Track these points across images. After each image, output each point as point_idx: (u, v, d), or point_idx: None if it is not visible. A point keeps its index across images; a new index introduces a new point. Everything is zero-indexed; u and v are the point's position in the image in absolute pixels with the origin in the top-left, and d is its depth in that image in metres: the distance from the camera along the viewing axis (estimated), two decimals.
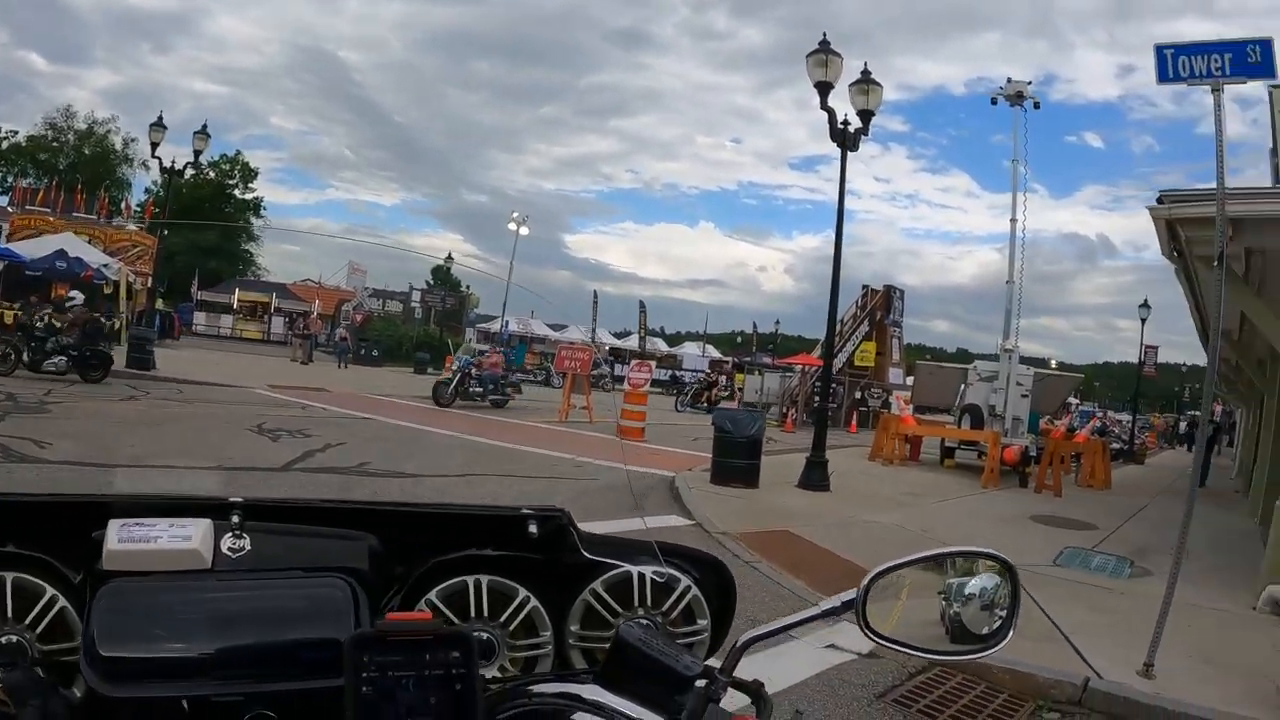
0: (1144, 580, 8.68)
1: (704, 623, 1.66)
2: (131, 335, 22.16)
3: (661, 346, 66.51)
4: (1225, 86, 5.96)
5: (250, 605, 1.27)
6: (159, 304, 31.08)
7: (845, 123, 13.47)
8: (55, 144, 58.70)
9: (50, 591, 1.33)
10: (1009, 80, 25.22)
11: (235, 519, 1.41)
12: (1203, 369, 9.52)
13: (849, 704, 5.01)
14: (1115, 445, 27.61)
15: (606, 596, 1.62)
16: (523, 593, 1.59)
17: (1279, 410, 12.20)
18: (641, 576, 1.62)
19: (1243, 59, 5.91)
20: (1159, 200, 8.70)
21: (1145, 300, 34.36)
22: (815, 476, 13.08)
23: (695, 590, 1.65)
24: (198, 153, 26.01)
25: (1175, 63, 6.10)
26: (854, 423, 31.11)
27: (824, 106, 13.25)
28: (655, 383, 32.18)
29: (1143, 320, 34.51)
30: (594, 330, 55.21)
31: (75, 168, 56.01)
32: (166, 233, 30.34)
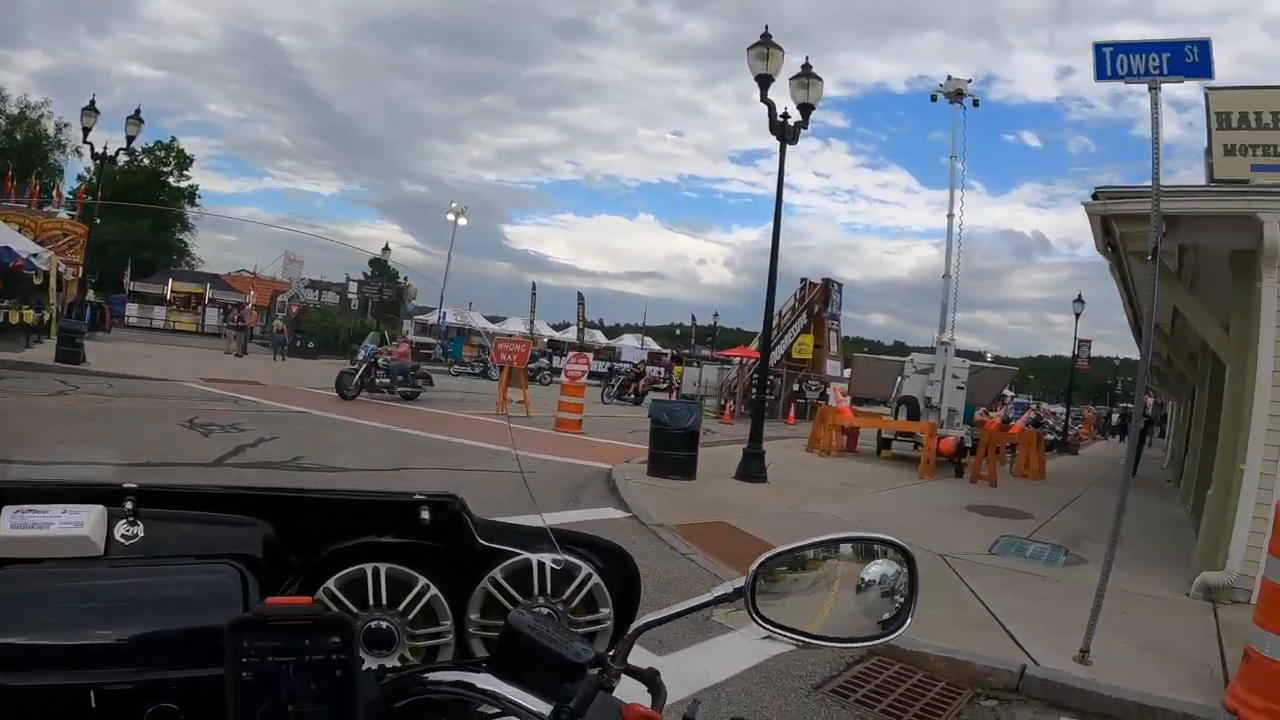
0: (1079, 568, 8.79)
1: (606, 611, 1.63)
2: (61, 328, 21.50)
3: (600, 339, 66.51)
4: (1162, 86, 6.02)
5: (140, 593, 1.24)
6: (90, 295, 30.21)
7: (785, 116, 13.45)
8: None
9: None
10: (949, 78, 25.54)
11: (129, 505, 1.39)
12: (1135, 362, 9.69)
13: (786, 696, 4.96)
14: (1049, 436, 28.15)
15: (506, 585, 1.59)
16: (422, 581, 1.55)
17: (1210, 403, 12.46)
18: (541, 564, 1.60)
19: (1180, 59, 5.97)
20: (1094, 196, 8.82)
21: (1079, 295, 35.23)
22: (752, 468, 13.07)
23: (596, 578, 1.62)
24: (130, 138, 25.20)
25: (1114, 61, 6.15)
26: (792, 414, 31.26)
27: (764, 99, 13.23)
28: (593, 375, 32.10)
29: (1077, 315, 35.36)
30: (532, 322, 55.09)
31: (6, 154, 54.09)
32: (99, 221, 29.48)
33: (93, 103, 23.78)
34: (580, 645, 1.18)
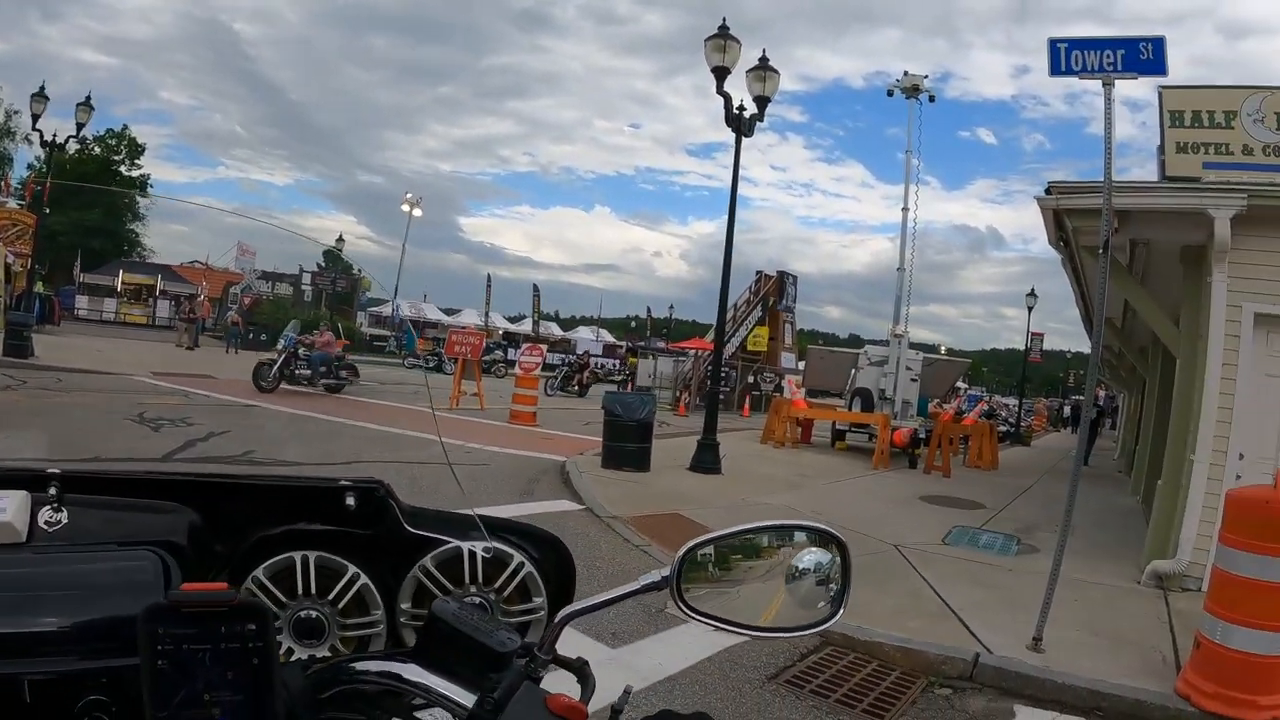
0: (1031, 557, 8.89)
1: (540, 600, 1.60)
2: (8, 321, 20.98)
3: (555, 331, 66.34)
4: (1116, 82, 6.06)
5: (62, 580, 1.21)
6: (39, 287, 29.56)
7: (741, 108, 13.46)
8: None
9: None
10: (905, 73, 25.77)
11: (53, 491, 1.36)
12: (1087, 355, 9.80)
13: (740, 687, 4.93)
14: (1002, 428, 28.48)
15: (437, 574, 1.57)
16: (352, 569, 1.54)
17: (1160, 395, 12.65)
18: (472, 553, 1.57)
19: (1135, 55, 6.02)
20: (1047, 191, 8.89)
21: (1032, 290, 35.67)
22: (707, 459, 13.06)
23: (529, 567, 1.60)
24: (80, 125, 24.62)
25: (1068, 56, 6.18)
26: (746, 406, 31.33)
27: (720, 91, 13.19)
28: (549, 367, 31.95)
29: (1029, 308, 35.82)
30: (487, 314, 54.80)
31: None
32: (49, 211, 28.86)
33: (42, 89, 23.22)
34: (506, 634, 1.16)
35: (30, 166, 51.48)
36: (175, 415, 12.82)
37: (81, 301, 44.73)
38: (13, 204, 31.93)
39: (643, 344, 51.97)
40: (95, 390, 15.52)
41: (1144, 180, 9.50)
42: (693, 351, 36.74)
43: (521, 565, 1.59)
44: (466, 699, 1.07)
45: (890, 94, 25.87)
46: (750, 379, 34.60)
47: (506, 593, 1.59)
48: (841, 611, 1.25)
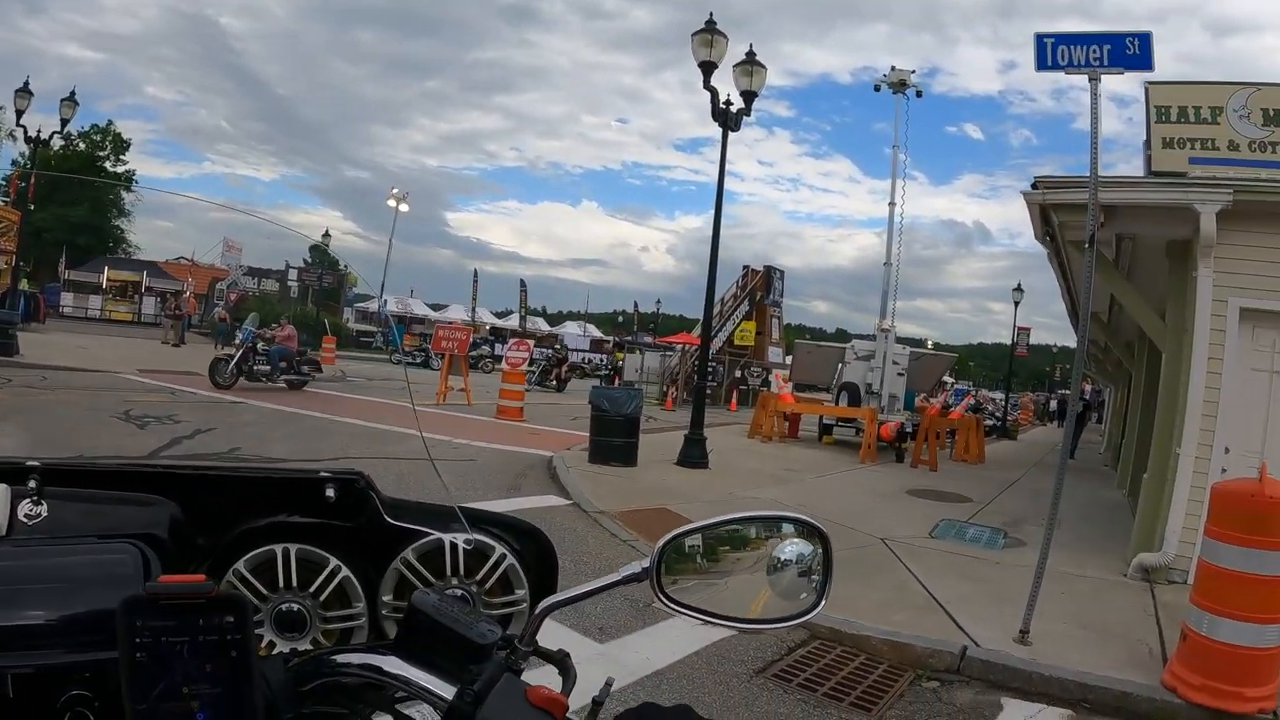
0: (1018, 550, 8.91)
1: (522, 593, 1.60)
2: None
3: (543, 326, 66.22)
4: (1103, 77, 6.07)
5: (42, 574, 1.20)
6: (24, 284, 29.37)
7: (728, 103, 13.45)
8: None
9: None
10: (893, 68, 25.89)
11: (33, 484, 1.36)
12: (1073, 349, 9.83)
13: (728, 681, 4.93)
14: (989, 422, 28.57)
15: (418, 565, 1.56)
16: (333, 562, 1.53)
17: (1146, 389, 12.71)
18: (453, 545, 1.56)
19: (1121, 50, 6.03)
20: (1034, 186, 8.91)
21: (1019, 284, 35.69)
22: (694, 454, 13.07)
23: (511, 559, 1.59)
24: (65, 121, 24.49)
25: (1055, 52, 6.18)
26: (734, 401, 31.38)
27: (707, 86, 13.17)
28: (535, 362, 31.90)
29: (1016, 303, 35.83)
30: (474, 309, 54.68)
31: None
32: (33, 207, 28.66)
33: (26, 84, 23.09)
34: (486, 626, 1.15)
35: (14, 163, 51.13)
36: (161, 412, 12.76)
37: (67, 299, 44.34)
38: None
39: (630, 339, 51.85)
40: (81, 388, 15.41)
41: (1130, 175, 9.52)
42: (680, 346, 36.72)
43: (503, 557, 1.58)
44: (447, 691, 1.07)
45: (877, 89, 25.99)
46: (737, 374, 34.62)
47: (488, 585, 1.58)
48: (823, 602, 1.24)
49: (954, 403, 25.76)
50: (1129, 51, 6.02)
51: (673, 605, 1.20)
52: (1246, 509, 4.74)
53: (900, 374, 21.23)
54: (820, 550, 1.26)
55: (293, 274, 53.28)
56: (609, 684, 1.12)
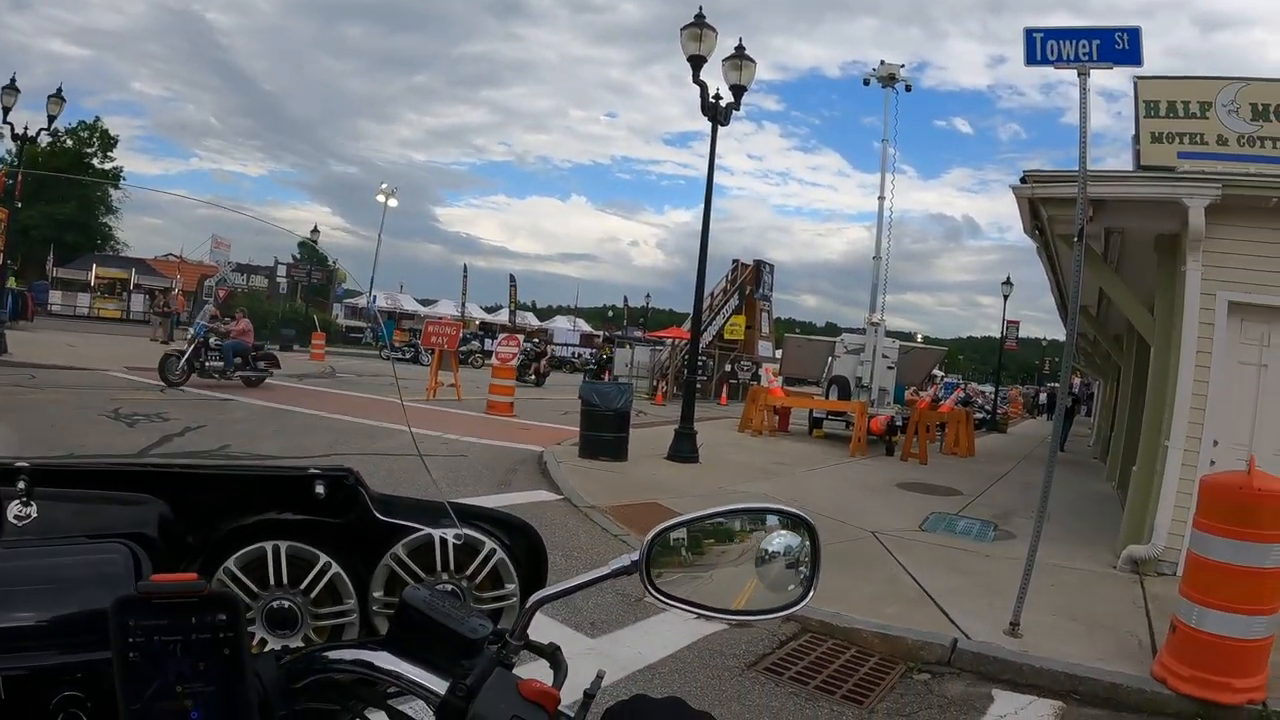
0: (1008, 543, 8.95)
1: (512, 587, 1.60)
2: None
3: (532, 321, 66.16)
4: (1092, 72, 6.08)
5: (30, 575, 1.18)
6: (11, 282, 29.17)
7: (717, 97, 13.45)
8: None
9: None
10: (882, 62, 25.84)
11: (21, 485, 1.34)
12: (1062, 342, 9.86)
13: (720, 675, 4.93)
14: (979, 415, 28.67)
15: (409, 561, 1.56)
16: (323, 559, 1.53)
17: (1135, 382, 12.76)
18: (443, 540, 1.56)
19: (1110, 45, 6.04)
20: (1023, 180, 8.92)
21: (1008, 278, 35.82)
22: (684, 448, 13.09)
23: (501, 554, 1.59)
24: (52, 117, 24.30)
25: (1044, 46, 6.20)
26: (724, 395, 31.43)
27: (696, 80, 13.17)
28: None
29: (1005, 296, 36.00)
30: (463, 305, 54.60)
31: None
32: (20, 205, 28.48)
33: (13, 81, 22.93)
34: (478, 621, 1.16)
35: (1, 160, 50.84)
36: (150, 410, 12.68)
37: (55, 296, 44.09)
38: None
39: (619, 333, 51.83)
40: (69, 386, 15.31)
41: (1119, 170, 9.56)
42: (670, 341, 36.73)
43: (493, 552, 1.58)
44: (439, 686, 1.07)
45: (867, 83, 25.95)
46: (727, 368, 34.66)
47: (478, 579, 1.58)
48: (811, 594, 1.24)
49: (943, 396, 25.83)
50: (1118, 46, 6.03)
51: (662, 598, 1.20)
52: (1235, 501, 4.77)
53: (890, 367, 21.28)
54: (808, 542, 1.26)
55: (282, 270, 53.00)
56: (600, 677, 1.12)
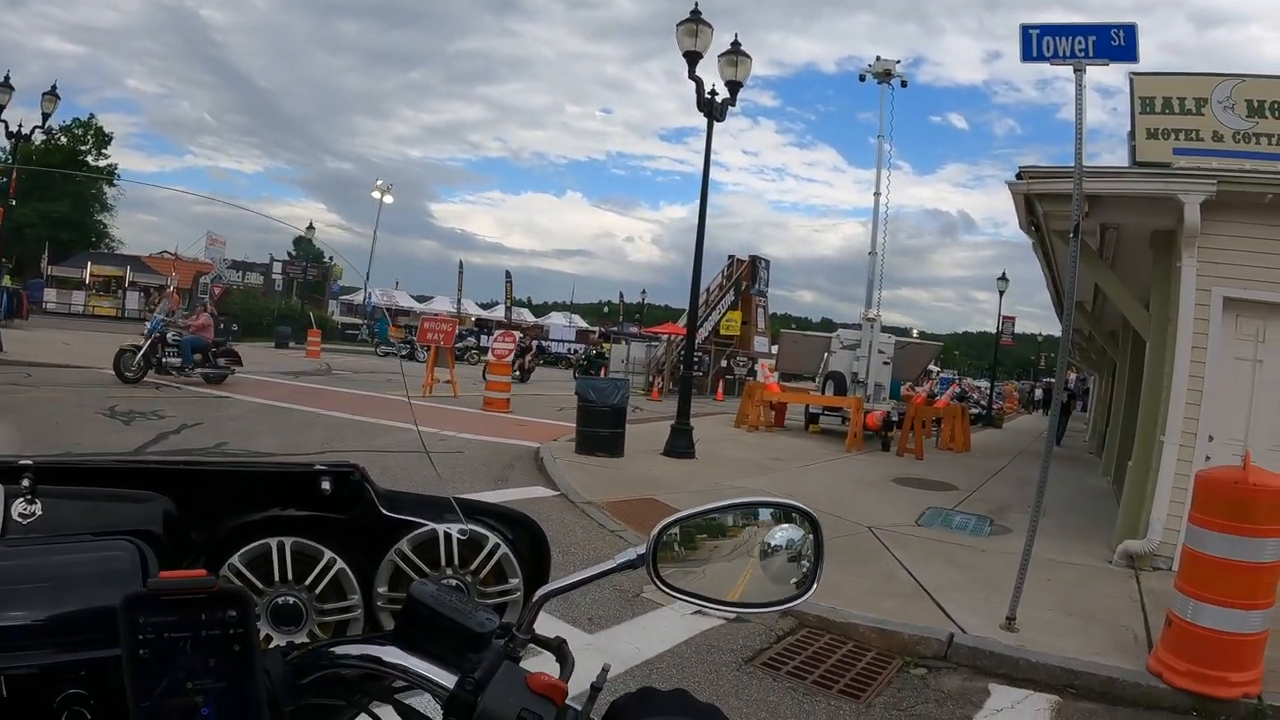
0: (1004, 537, 8.98)
1: (516, 581, 1.62)
2: None
3: (528, 317, 66.05)
4: (1087, 68, 6.09)
5: (36, 573, 1.17)
6: (6, 281, 29.14)
7: (713, 93, 13.45)
8: None
9: None
10: (878, 58, 25.94)
11: (26, 483, 1.34)
12: (1058, 338, 9.89)
13: (718, 670, 4.94)
14: (974, 410, 28.71)
15: (413, 556, 1.57)
16: (328, 555, 1.53)
17: (1130, 377, 12.79)
18: (447, 535, 1.57)
19: (1106, 42, 6.05)
20: (1019, 176, 8.93)
21: (1004, 274, 35.82)
22: (680, 444, 13.11)
23: (505, 549, 1.61)
24: (46, 115, 24.30)
25: (1040, 43, 6.20)
26: (720, 390, 31.48)
27: (692, 76, 13.18)
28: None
29: (1001, 292, 35.98)
30: (459, 301, 54.52)
31: None
32: (14, 203, 28.43)
33: (7, 79, 22.89)
34: (485, 615, 1.16)
35: None
36: (147, 408, 12.68)
37: (50, 295, 43.99)
38: None
39: (615, 329, 51.81)
40: (65, 385, 15.28)
41: (1115, 166, 9.57)
42: (666, 336, 36.73)
43: (497, 546, 1.59)
44: (447, 680, 1.08)
45: (862, 79, 26.06)
46: (724, 363, 34.71)
47: (483, 574, 1.59)
48: (815, 587, 1.26)
49: (939, 391, 25.86)
50: (1114, 43, 6.04)
51: (670, 590, 1.22)
52: (1230, 496, 4.79)
53: (886, 363, 21.32)
54: (811, 536, 1.27)
55: (277, 267, 52.94)
56: (605, 670, 1.13)
